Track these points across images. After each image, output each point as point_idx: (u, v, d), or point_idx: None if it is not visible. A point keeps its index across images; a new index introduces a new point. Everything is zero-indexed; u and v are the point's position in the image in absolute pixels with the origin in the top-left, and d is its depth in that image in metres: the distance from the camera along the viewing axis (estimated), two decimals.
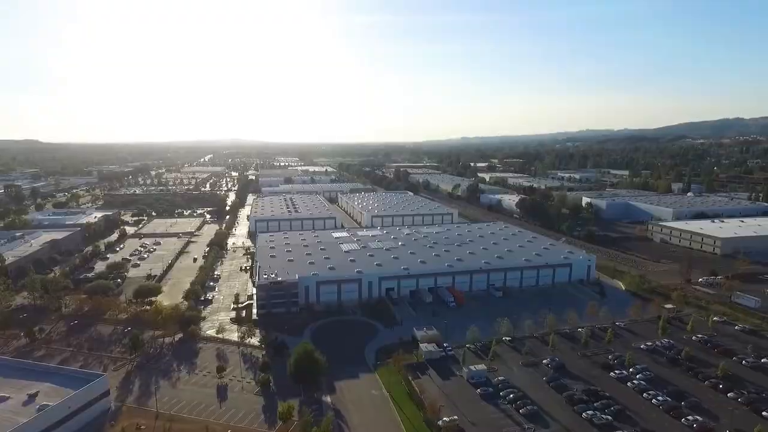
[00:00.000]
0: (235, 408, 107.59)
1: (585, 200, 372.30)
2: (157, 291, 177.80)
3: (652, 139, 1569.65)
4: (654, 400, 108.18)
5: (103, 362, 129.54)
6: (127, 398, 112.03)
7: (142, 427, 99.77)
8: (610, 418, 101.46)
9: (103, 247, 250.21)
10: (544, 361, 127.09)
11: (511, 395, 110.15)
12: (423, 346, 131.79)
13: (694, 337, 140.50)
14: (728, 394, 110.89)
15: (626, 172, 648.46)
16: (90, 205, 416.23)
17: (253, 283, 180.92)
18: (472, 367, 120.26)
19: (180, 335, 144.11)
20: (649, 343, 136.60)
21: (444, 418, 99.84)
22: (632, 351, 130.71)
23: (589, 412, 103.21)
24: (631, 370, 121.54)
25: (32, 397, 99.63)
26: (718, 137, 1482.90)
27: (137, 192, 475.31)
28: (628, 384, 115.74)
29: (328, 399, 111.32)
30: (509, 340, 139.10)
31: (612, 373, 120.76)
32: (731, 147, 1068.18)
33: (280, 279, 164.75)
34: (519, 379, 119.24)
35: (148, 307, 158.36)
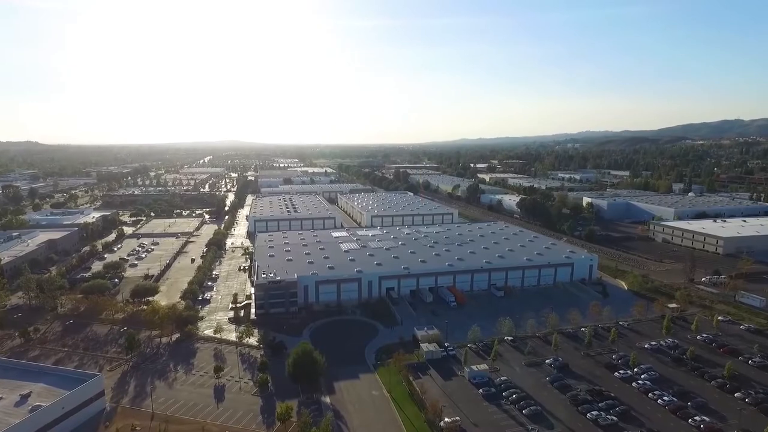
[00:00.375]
0: (232, 409, 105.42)
1: (586, 200, 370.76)
2: (154, 291, 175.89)
3: (651, 141, 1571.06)
4: (660, 401, 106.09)
5: (98, 362, 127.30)
6: (123, 399, 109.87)
7: (138, 428, 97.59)
8: (615, 418, 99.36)
9: (100, 247, 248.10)
10: (547, 361, 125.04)
11: (514, 395, 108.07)
12: (424, 345, 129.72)
13: (699, 337, 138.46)
14: (735, 395, 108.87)
15: (626, 173, 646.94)
16: (88, 205, 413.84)
17: (252, 282, 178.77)
18: (473, 367, 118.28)
19: (177, 335, 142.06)
20: (654, 343, 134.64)
21: (446, 419, 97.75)
22: (636, 351, 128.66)
23: (594, 412, 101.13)
24: (635, 370, 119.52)
25: (25, 398, 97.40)
26: (717, 138, 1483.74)
27: (136, 192, 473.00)
28: (633, 384, 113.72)
29: (328, 399, 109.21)
30: (511, 340, 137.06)
31: (616, 373, 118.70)
32: (731, 148, 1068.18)
33: (278, 278, 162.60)
34: (522, 379, 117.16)
35: (145, 307, 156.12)
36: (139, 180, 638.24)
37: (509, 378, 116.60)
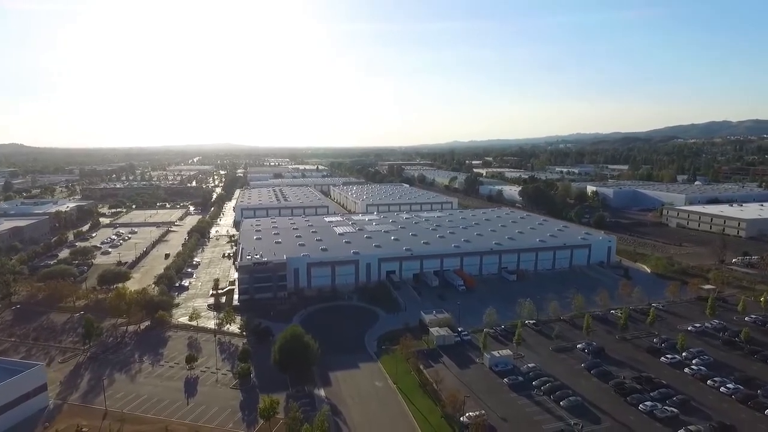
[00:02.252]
0: (205, 404, 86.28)
1: (590, 189, 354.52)
2: (125, 277, 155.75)
3: (643, 140, 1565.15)
4: (722, 389, 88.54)
5: (49, 353, 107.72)
6: (72, 395, 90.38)
7: (84, 429, 78.17)
8: (675, 410, 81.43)
9: (71, 236, 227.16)
10: (579, 346, 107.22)
11: (547, 385, 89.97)
12: (434, 330, 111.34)
13: (747, 318, 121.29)
14: None
15: (625, 167, 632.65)
16: (66, 198, 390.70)
17: (236, 266, 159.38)
18: (495, 353, 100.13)
19: (147, 323, 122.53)
20: (698, 325, 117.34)
21: (469, 413, 79.32)
22: (680, 333, 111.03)
23: (648, 403, 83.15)
24: (684, 354, 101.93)
25: None
26: (708, 138, 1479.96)
27: (118, 186, 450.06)
28: (685, 370, 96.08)
29: (322, 392, 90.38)
30: (533, 324, 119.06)
31: (663, 358, 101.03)
32: (724, 146, 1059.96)
33: (265, 259, 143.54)
34: (552, 366, 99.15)
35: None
36: (123, 177, 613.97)
37: (538, 365, 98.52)
